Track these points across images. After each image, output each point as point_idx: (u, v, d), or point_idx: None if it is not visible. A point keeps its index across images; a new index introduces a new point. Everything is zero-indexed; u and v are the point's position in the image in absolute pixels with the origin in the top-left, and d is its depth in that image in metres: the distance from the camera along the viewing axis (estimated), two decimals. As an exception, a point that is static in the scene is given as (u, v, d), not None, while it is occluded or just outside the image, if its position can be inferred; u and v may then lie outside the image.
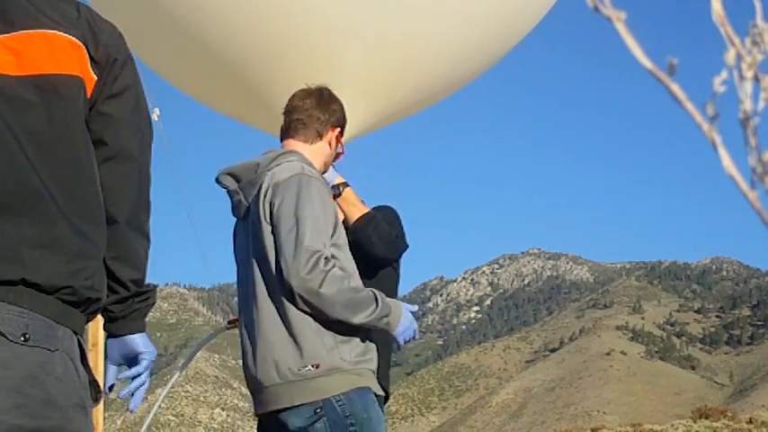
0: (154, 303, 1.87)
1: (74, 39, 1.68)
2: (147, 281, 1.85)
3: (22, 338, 1.53)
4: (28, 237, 1.57)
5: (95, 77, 1.72)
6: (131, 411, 1.90)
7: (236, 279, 2.77)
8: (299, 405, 2.47)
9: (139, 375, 1.86)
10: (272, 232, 2.53)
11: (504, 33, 3.20)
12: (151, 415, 2.80)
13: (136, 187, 1.79)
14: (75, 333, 1.65)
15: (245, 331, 2.62)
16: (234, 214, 2.73)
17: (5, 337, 1.52)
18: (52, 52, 1.65)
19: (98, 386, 1.74)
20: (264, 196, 2.58)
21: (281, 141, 2.84)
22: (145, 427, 2.81)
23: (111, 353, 1.84)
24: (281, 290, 2.49)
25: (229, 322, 3.09)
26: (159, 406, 2.94)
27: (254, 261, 2.59)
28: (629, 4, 0.66)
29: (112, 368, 1.86)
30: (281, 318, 2.50)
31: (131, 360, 1.84)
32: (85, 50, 1.70)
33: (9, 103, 1.60)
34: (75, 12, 1.73)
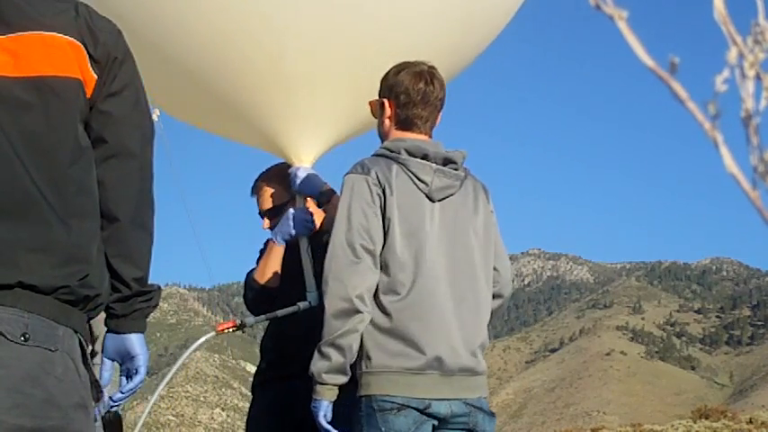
0: (156, 305, 1.86)
1: (73, 40, 1.68)
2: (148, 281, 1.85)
3: (22, 338, 1.53)
4: (23, 240, 1.56)
5: (96, 77, 1.71)
6: (113, 402, 1.91)
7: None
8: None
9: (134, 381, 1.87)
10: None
11: (466, 44, 3.19)
12: (144, 415, 2.79)
13: (138, 185, 1.79)
14: (76, 332, 1.65)
15: None
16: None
17: (5, 336, 1.52)
18: (50, 54, 1.64)
19: (99, 386, 1.74)
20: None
21: (431, 134, 2.68)
22: (138, 427, 2.79)
23: (107, 347, 1.85)
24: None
25: (219, 331, 3.03)
26: (150, 410, 2.91)
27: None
28: (630, 3, 0.66)
29: (108, 362, 1.86)
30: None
31: (125, 358, 1.85)
32: (85, 50, 1.69)
33: (4, 103, 1.60)
34: (73, 11, 1.72)
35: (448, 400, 2.45)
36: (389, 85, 2.63)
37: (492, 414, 2.56)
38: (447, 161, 2.59)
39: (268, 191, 3.24)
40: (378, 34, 2.89)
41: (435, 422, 2.45)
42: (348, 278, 2.40)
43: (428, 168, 2.54)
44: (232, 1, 2.76)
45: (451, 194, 2.59)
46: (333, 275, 2.43)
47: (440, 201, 2.56)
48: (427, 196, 2.54)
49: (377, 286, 2.45)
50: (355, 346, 2.42)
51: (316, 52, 2.85)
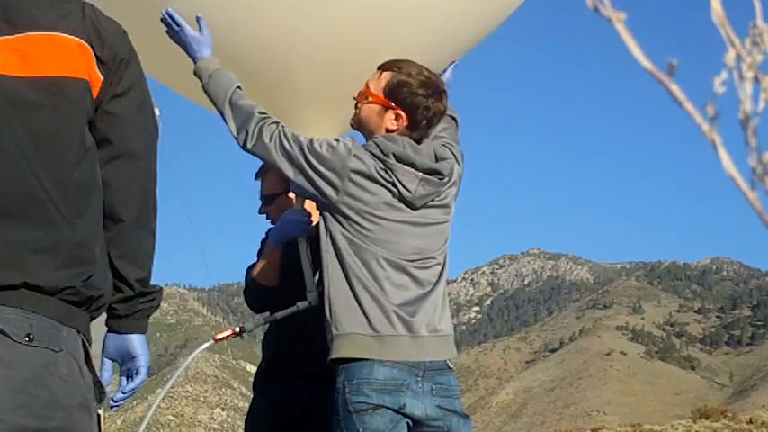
0: (158, 306, 1.86)
1: (80, 40, 1.68)
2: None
3: (27, 339, 1.53)
4: (28, 241, 1.56)
5: (102, 78, 1.72)
6: (113, 402, 1.90)
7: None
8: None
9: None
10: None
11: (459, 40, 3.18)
12: (147, 417, 2.78)
13: (142, 186, 1.79)
14: (79, 332, 1.65)
15: None
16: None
17: (9, 337, 1.52)
18: (58, 55, 1.65)
19: (102, 387, 1.74)
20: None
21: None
22: (142, 428, 2.78)
23: (108, 347, 1.84)
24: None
25: (217, 340, 3.03)
26: (155, 411, 2.91)
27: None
28: (628, 5, 0.66)
29: (108, 362, 1.86)
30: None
31: (126, 358, 1.85)
32: (92, 51, 1.70)
33: (12, 103, 1.60)
34: (80, 12, 1.73)
35: (419, 365, 2.48)
36: (415, 102, 2.60)
37: (467, 416, 2.60)
38: (433, 172, 2.61)
39: (266, 179, 3.27)
40: (383, 36, 2.88)
41: (410, 422, 2.47)
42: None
43: (413, 176, 2.56)
44: (245, 19, 2.76)
45: (432, 200, 2.63)
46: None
47: (420, 207, 2.60)
48: (409, 203, 2.57)
49: (355, 269, 2.51)
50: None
51: (325, 67, 2.86)
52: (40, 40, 1.64)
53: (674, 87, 0.58)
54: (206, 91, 2.63)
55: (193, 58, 2.66)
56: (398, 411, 2.43)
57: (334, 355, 2.49)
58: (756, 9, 0.61)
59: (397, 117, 2.61)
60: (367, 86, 2.66)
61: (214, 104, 2.62)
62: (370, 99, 2.64)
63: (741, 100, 0.60)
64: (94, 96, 1.71)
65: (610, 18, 0.59)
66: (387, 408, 2.42)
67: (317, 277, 2.82)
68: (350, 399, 2.43)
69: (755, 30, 0.61)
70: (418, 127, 2.62)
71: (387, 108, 2.62)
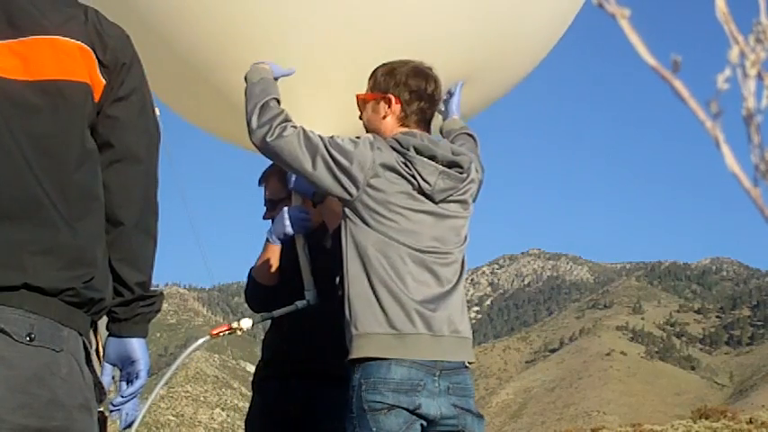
0: (159, 310, 1.86)
1: (82, 44, 1.69)
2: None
3: (28, 338, 1.54)
4: (29, 243, 1.57)
5: (104, 81, 1.72)
6: (113, 406, 1.88)
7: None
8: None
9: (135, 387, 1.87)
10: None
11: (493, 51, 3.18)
12: (140, 415, 2.77)
13: (143, 189, 1.80)
14: (81, 334, 1.66)
15: None
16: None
17: (11, 336, 1.52)
18: (59, 58, 1.66)
19: (103, 387, 1.74)
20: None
21: (430, 129, 2.74)
22: (135, 426, 2.78)
23: (108, 351, 1.85)
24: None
25: (214, 335, 3.02)
26: (151, 407, 2.90)
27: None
28: (633, 1, 0.67)
29: (108, 366, 1.86)
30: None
31: (126, 362, 1.85)
32: (94, 55, 1.71)
33: (14, 106, 1.61)
34: (82, 16, 1.74)
35: (437, 364, 2.48)
36: (396, 82, 2.65)
37: (480, 416, 2.61)
38: (453, 164, 2.62)
39: (269, 184, 3.26)
40: (380, 42, 2.88)
41: (424, 422, 2.47)
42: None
43: (433, 169, 2.58)
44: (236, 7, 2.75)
45: (451, 195, 2.64)
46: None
47: (440, 201, 2.61)
48: (429, 196, 2.57)
49: (376, 265, 2.50)
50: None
51: (318, 59, 2.85)
52: (41, 43, 1.65)
53: (678, 84, 0.59)
54: (247, 90, 2.64)
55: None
56: (413, 412, 2.44)
57: (353, 356, 2.48)
58: (761, 6, 0.61)
59: (387, 101, 2.66)
60: (361, 94, 2.72)
61: (247, 101, 2.62)
62: (366, 100, 2.71)
63: (744, 97, 0.60)
64: (96, 100, 1.71)
65: (614, 14, 0.59)
66: (402, 408, 2.42)
67: (342, 275, 2.81)
68: (365, 397, 2.43)
69: (759, 27, 0.61)
70: (413, 108, 2.65)
71: (379, 101, 2.68)
